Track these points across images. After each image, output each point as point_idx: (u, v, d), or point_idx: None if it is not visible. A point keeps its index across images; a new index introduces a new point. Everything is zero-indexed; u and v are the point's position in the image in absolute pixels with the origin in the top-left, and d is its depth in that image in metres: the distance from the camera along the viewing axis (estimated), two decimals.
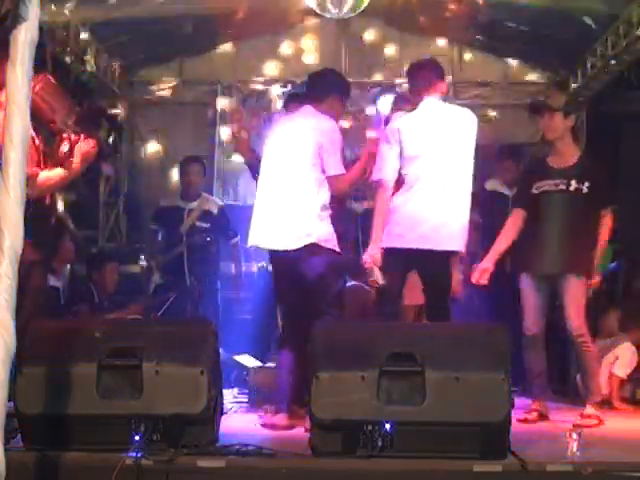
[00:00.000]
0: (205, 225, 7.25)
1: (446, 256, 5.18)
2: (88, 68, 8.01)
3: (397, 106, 5.86)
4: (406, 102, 5.65)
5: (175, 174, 8.28)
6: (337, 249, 5.07)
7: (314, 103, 5.22)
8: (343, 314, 6.14)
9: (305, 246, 4.99)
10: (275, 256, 5.17)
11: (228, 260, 7.53)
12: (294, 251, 5.00)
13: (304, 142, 5.08)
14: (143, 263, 7.85)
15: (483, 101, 9.33)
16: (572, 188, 5.36)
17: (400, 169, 5.18)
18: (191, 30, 8.49)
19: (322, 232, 5.03)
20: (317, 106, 5.20)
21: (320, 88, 5.28)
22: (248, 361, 6.52)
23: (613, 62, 7.80)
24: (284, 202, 5.08)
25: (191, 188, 7.35)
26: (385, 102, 9.05)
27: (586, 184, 5.34)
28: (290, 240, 5.02)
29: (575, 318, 5.28)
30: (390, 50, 9.30)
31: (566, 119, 5.46)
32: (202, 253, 7.15)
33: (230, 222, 7.34)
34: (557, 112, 5.43)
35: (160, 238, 7.43)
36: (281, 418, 4.94)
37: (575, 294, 5.30)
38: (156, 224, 7.50)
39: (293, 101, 5.83)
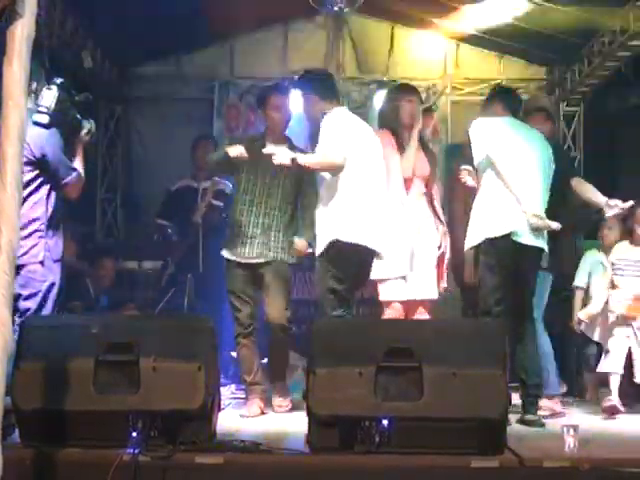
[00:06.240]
0: (220, 204, 7.23)
1: None
2: (85, 65, 7.99)
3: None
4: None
5: (173, 171, 8.24)
6: None
7: None
8: None
9: None
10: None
11: None
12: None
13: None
14: (158, 265, 7.77)
15: (480, 98, 9.32)
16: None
17: None
18: (188, 26, 8.47)
19: None
20: None
21: None
22: None
23: (610, 58, 7.81)
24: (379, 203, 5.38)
25: (204, 167, 7.30)
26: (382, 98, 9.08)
27: None
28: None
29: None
30: (387, 46, 9.29)
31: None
32: (217, 235, 7.05)
33: None
34: (550, 115, 5.68)
35: (171, 232, 7.34)
36: None
37: None
38: (165, 218, 7.39)
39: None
